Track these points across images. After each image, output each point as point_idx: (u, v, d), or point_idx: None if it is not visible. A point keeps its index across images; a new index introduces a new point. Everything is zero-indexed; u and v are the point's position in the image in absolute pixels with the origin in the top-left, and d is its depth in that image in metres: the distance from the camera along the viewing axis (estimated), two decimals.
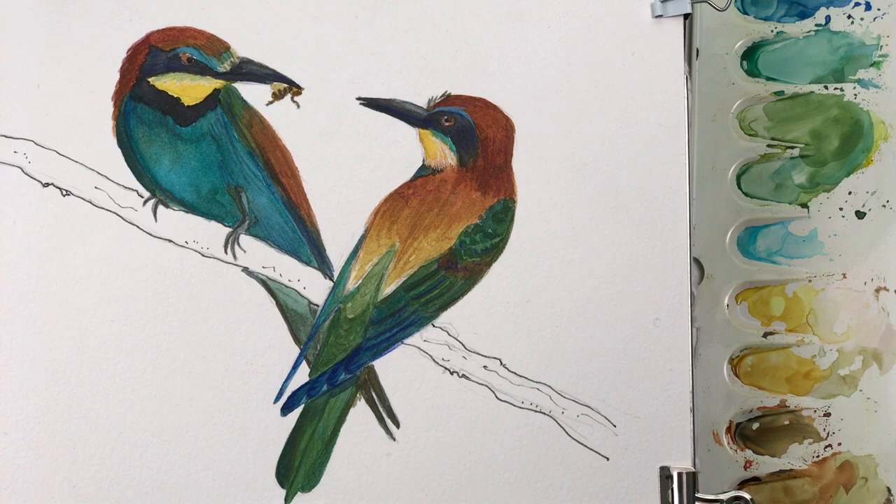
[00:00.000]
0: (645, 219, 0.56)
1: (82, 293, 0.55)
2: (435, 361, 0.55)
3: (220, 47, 0.56)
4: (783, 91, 0.68)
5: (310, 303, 0.55)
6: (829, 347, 0.67)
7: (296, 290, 0.55)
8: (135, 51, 0.56)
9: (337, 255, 0.56)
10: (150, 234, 0.55)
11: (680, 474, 0.54)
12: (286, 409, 0.55)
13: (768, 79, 0.68)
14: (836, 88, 0.68)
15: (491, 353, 0.55)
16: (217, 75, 0.56)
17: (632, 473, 0.55)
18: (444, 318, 0.55)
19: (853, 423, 0.66)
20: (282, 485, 0.55)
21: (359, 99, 0.56)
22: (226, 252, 0.55)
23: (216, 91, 0.56)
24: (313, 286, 0.55)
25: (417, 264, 0.56)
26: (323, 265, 0.56)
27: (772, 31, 0.68)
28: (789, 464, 0.66)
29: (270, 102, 0.56)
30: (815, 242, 0.67)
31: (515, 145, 0.56)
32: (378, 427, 0.55)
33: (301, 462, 0.55)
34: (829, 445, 0.66)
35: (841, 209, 0.67)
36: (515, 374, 0.55)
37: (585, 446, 0.55)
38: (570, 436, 0.55)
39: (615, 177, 0.56)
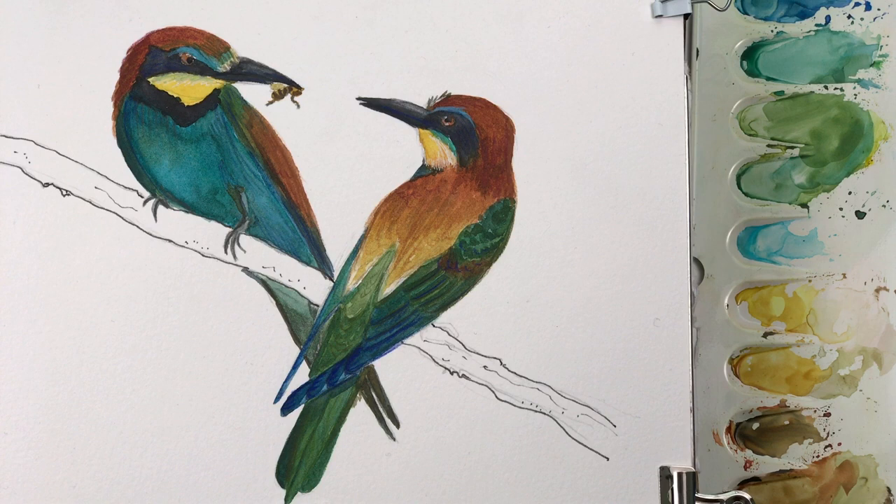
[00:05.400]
0: (645, 219, 0.56)
1: (82, 293, 0.55)
2: (435, 361, 0.55)
3: (220, 47, 0.56)
4: (783, 91, 0.68)
5: (310, 303, 0.55)
6: (829, 347, 0.67)
7: (296, 290, 0.55)
8: (135, 51, 0.56)
9: (337, 255, 0.56)
10: (150, 234, 0.55)
11: (680, 474, 0.54)
12: (286, 409, 0.55)
13: (768, 79, 0.68)
14: (836, 88, 0.68)
15: (491, 353, 0.55)
16: (217, 75, 0.56)
17: (632, 473, 0.55)
18: (444, 318, 0.55)
19: (853, 423, 0.66)
20: (282, 485, 0.55)
21: (359, 99, 0.56)
22: (226, 252, 0.55)
23: (216, 91, 0.56)
24: (313, 286, 0.55)
25: (417, 264, 0.56)
26: (323, 265, 0.56)
27: (772, 31, 0.68)
28: (789, 464, 0.66)
29: (270, 102, 0.56)
30: (815, 242, 0.67)
31: (515, 145, 0.56)
32: (378, 427, 0.55)
33: (301, 462, 0.55)
34: (829, 445, 0.66)
35: (841, 209, 0.67)
36: (515, 374, 0.55)
37: (585, 446, 0.55)
38: (570, 436, 0.55)
39: (615, 177, 0.56)
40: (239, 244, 0.56)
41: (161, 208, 0.55)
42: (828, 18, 0.68)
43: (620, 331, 0.55)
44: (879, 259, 0.67)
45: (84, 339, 0.54)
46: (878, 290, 0.67)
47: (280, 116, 0.56)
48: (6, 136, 0.55)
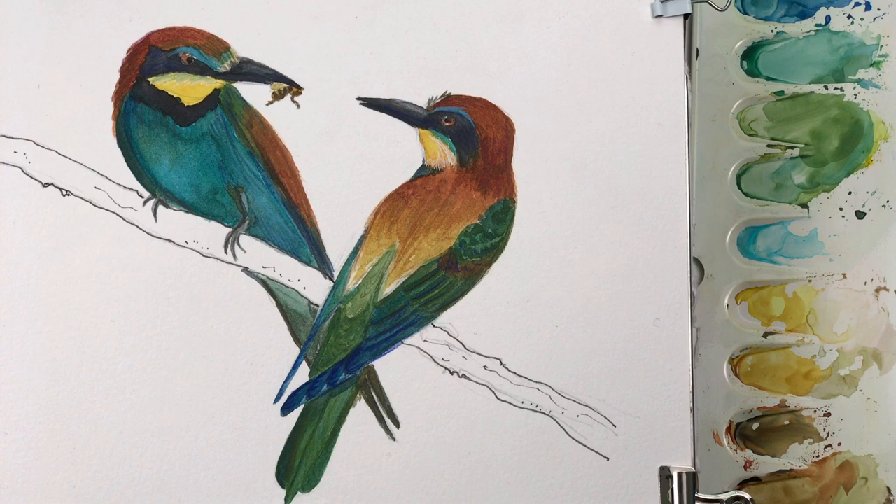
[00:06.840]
0: (645, 219, 0.56)
1: (82, 293, 0.55)
2: (435, 361, 0.55)
3: (220, 47, 0.56)
4: (783, 91, 0.68)
5: (310, 303, 0.55)
6: (829, 347, 0.67)
7: (296, 290, 0.55)
8: (135, 51, 0.56)
9: (337, 255, 0.56)
10: (150, 234, 0.55)
11: (680, 474, 0.54)
12: (286, 409, 0.55)
13: (768, 79, 0.68)
14: (836, 88, 0.68)
15: (491, 353, 0.55)
16: (217, 75, 0.56)
17: (632, 473, 0.55)
18: (444, 318, 0.55)
19: (853, 423, 0.66)
20: (282, 485, 0.55)
21: (359, 99, 0.56)
22: (226, 252, 0.55)
23: (216, 91, 0.56)
24: (313, 286, 0.55)
25: (417, 264, 0.56)
26: (323, 265, 0.56)
27: (772, 31, 0.68)
28: (789, 464, 0.66)
29: (270, 102, 0.56)
30: (815, 242, 0.67)
31: (515, 145, 0.56)
32: (378, 427, 0.55)
33: (301, 462, 0.55)
34: (829, 445, 0.66)
35: (841, 209, 0.67)
36: (515, 374, 0.55)
37: (585, 446, 0.55)
38: (570, 436, 0.55)
39: (615, 177, 0.56)
40: (239, 244, 0.56)
41: (161, 208, 0.55)
42: (828, 18, 0.68)
43: (620, 331, 0.55)
44: (879, 259, 0.67)
45: (84, 339, 0.54)
46: (878, 290, 0.67)
47: (280, 116, 0.56)
48: (6, 136, 0.55)
